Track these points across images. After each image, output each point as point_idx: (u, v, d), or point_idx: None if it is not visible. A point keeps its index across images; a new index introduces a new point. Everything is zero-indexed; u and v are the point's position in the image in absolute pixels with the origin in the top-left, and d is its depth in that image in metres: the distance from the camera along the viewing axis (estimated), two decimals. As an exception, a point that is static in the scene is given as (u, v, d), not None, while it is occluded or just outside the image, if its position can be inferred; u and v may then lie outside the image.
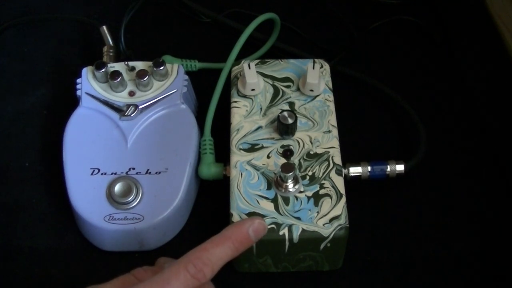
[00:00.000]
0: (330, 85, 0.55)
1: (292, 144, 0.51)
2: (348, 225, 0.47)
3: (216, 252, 0.42)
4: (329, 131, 0.52)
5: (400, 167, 0.54)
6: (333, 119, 0.53)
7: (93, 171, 0.52)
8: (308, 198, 0.48)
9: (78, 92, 0.56)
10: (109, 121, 0.55)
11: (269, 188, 0.49)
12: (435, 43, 0.67)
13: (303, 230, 0.46)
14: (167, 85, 0.56)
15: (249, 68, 0.54)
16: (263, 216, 0.47)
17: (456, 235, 0.54)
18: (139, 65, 0.57)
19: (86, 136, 0.54)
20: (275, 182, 0.49)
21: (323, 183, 0.49)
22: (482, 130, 0.60)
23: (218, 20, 0.68)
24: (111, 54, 0.61)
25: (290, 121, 0.50)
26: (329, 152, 0.51)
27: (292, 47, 0.65)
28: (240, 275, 0.51)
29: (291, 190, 0.48)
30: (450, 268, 0.52)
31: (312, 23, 0.69)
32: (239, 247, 0.43)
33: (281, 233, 0.46)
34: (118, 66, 0.57)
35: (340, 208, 0.47)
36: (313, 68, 0.53)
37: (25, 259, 0.52)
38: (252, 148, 0.51)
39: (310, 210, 0.47)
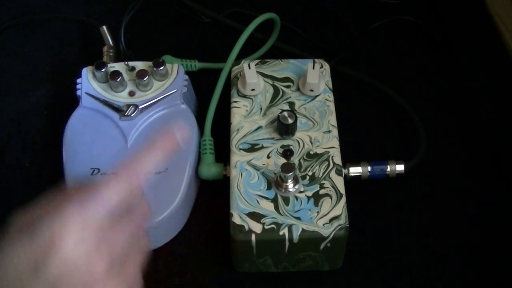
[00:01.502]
0: (330, 85, 0.55)
1: (292, 144, 0.51)
2: (348, 225, 0.47)
3: (147, 161, 0.40)
4: (329, 131, 0.52)
5: (400, 167, 0.54)
6: (333, 119, 0.53)
7: (93, 171, 0.52)
8: (308, 198, 0.48)
9: (78, 92, 0.56)
10: (109, 121, 0.55)
11: (269, 188, 0.49)
12: (435, 43, 0.67)
13: (303, 230, 0.46)
14: (167, 85, 0.56)
15: (249, 68, 0.54)
16: (263, 216, 0.47)
17: (456, 235, 0.54)
18: (139, 65, 0.57)
19: (86, 136, 0.54)
20: (275, 182, 0.49)
21: (323, 183, 0.49)
22: (482, 130, 0.60)
23: (218, 20, 0.68)
24: (111, 54, 0.61)
25: (290, 121, 0.50)
26: (329, 152, 0.51)
27: (292, 47, 0.65)
28: (240, 275, 0.51)
29: (291, 190, 0.48)
30: (450, 268, 0.52)
31: (312, 23, 0.69)
32: (168, 151, 0.41)
33: (281, 233, 0.46)
34: (118, 66, 0.57)
35: (340, 208, 0.47)
36: (313, 68, 0.53)
37: (25, 259, 0.52)
38: (252, 148, 0.51)
39: (310, 210, 0.47)
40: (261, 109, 0.54)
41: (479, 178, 0.57)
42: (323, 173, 0.49)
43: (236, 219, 0.47)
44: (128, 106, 0.55)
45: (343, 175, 0.50)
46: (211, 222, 0.54)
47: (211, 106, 0.56)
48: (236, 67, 0.57)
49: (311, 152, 0.51)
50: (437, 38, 0.67)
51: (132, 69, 0.57)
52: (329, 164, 0.50)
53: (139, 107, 0.55)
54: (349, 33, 0.68)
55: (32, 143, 0.60)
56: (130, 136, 0.54)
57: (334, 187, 0.49)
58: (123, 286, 0.37)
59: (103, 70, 0.55)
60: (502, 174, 0.57)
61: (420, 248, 0.53)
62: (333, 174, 0.49)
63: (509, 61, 0.64)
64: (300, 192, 0.48)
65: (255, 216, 0.47)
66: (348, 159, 0.53)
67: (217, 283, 0.51)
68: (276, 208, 0.48)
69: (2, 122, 0.61)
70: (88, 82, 0.56)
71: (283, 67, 0.56)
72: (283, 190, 0.48)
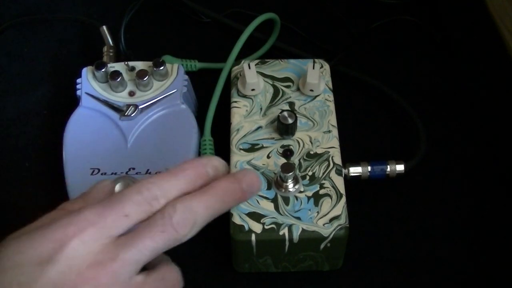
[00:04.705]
0: (330, 85, 0.55)
1: (292, 144, 0.51)
2: (348, 225, 0.47)
3: (171, 181, 0.38)
4: (329, 131, 0.52)
5: (400, 167, 0.53)
6: (333, 119, 0.53)
7: (93, 171, 0.52)
8: (308, 198, 0.48)
9: (78, 92, 0.56)
10: (109, 121, 0.55)
11: (269, 188, 0.49)
12: (435, 43, 0.67)
13: (303, 230, 0.46)
14: (167, 85, 0.56)
15: (249, 68, 0.54)
16: (263, 216, 0.47)
17: (456, 235, 0.54)
18: (139, 65, 0.57)
19: (86, 136, 0.54)
20: (275, 182, 0.49)
21: (323, 183, 0.49)
22: (482, 130, 0.60)
23: (218, 20, 0.68)
24: (111, 54, 0.61)
25: (290, 121, 0.50)
26: (329, 152, 0.51)
27: (292, 47, 0.65)
28: (240, 275, 0.51)
29: (291, 190, 0.48)
30: (450, 268, 0.52)
31: (312, 23, 0.69)
32: (196, 182, 0.39)
33: (281, 233, 0.46)
34: (118, 66, 0.57)
35: (340, 208, 0.47)
36: (313, 68, 0.53)
37: (25, 259, 0.52)
38: (252, 148, 0.51)
39: (310, 210, 0.47)
40: (261, 109, 0.54)
41: (479, 178, 0.57)
42: (323, 173, 0.49)
43: (236, 219, 0.47)
44: (128, 106, 0.55)
45: (343, 175, 0.50)
46: (211, 222, 0.54)
47: (211, 106, 0.56)
48: (236, 67, 0.57)
49: (311, 152, 0.51)
50: (437, 38, 0.67)
51: (132, 69, 0.57)
52: (329, 164, 0.50)
53: (139, 107, 0.55)
54: (349, 33, 0.68)
55: (32, 143, 0.60)
56: (130, 136, 0.54)
57: (334, 187, 0.49)
58: None
59: (103, 70, 0.55)
60: (502, 174, 0.57)
61: (420, 248, 0.53)
62: (333, 174, 0.49)
63: (509, 61, 0.64)
64: (300, 192, 0.48)
65: (255, 216, 0.47)
66: (348, 159, 0.53)
67: (217, 283, 0.51)
68: (276, 208, 0.47)
69: (2, 122, 0.61)
70: (88, 82, 0.56)
71: (283, 67, 0.56)
72: (283, 190, 0.48)
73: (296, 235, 0.46)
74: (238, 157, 0.51)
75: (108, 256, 0.35)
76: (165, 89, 0.56)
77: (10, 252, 0.35)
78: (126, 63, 0.57)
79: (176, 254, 0.53)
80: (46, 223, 0.37)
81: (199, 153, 0.54)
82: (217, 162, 0.41)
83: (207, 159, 0.41)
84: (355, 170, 0.53)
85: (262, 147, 0.51)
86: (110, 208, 0.36)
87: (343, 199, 0.48)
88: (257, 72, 0.55)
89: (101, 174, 0.52)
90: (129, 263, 0.35)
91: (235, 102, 0.54)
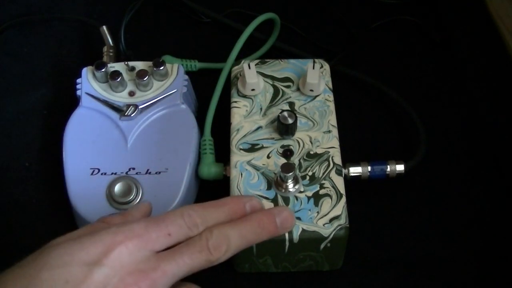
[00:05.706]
0: (330, 85, 0.55)
1: (292, 144, 0.51)
2: (348, 225, 0.47)
3: (211, 212, 0.41)
4: (329, 131, 0.52)
5: (400, 167, 0.54)
6: (333, 119, 0.53)
7: (93, 171, 0.52)
8: (308, 198, 0.48)
9: (78, 92, 0.56)
10: (109, 121, 0.55)
11: (269, 188, 0.49)
12: (435, 43, 0.67)
13: (303, 230, 0.46)
14: (167, 85, 0.56)
15: (249, 68, 0.54)
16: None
17: (456, 235, 0.54)
18: (139, 65, 0.57)
19: (86, 136, 0.54)
20: (275, 182, 0.49)
21: (323, 183, 0.49)
22: (482, 130, 0.60)
23: (218, 20, 0.68)
24: (111, 54, 0.61)
25: (290, 121, 0.50)
26: (329, 152, 0.51)
27: (292, 47, 0.65)
28: (240, 275, 0.51)
29: (291, 190, 0.48)
30: (450, 268, 0.52)
31: (312, 23, 0.69)
32: (233, 216, 0.42)
33: (281, 233, 0.46)
34: (118, 66, 0.57)
35: (340, 208, 0.47)
36: (313, 68, 0.53)
37: (25, 259, 0.52)
38: (252, 148, 0.51)
39: (310, 210, 0.47)
40: (261, 109, 0.54)
41: (479, 178, 0.57)
42: (323, 173, 0.49)
43: (236, 219, 0.47)
44: (128, 106, 0.55)
45: (343, 175, 0.50)
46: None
47: (211, 106, 0.56)
48: (236, 67, 0.57)
49: (311, 152, 0.51)
50: (437, 38, 0.67)
51: (132, 69, 0.57)
52: (329, 164, 0.50)
53: (139, 107, 0.55)
54: (349, 33, 0.68)
55: (32, 143, 0.60)
56: (130, 136, 0.54)
57: (334, 187, 0.49)
58: None
59: (103, 70, 0.55)
60: (502, 174, 0.57)
61: (420, 248, 0.53)
62: (333, 174, 0.49)
63: (509, 61, 0.64)
64: (300, 192, 0.48)
65: (255, 216, 0.47)
66: (348, 159, 0.53)
67: (217, 283, 0.51)
68: (276, 208, 0.47)
69: (2, 122, 0.61)
70: (88, 82, 0.56)
71: (283, 67, 0.56)
72: (283, 190, 0.48)
73: (296, 235, 0.46)
74: (238, 157, 0.51)
75: (150, 266, 0.38)
76: (165, 89, 0.56)
77: (59, 253, 0.37)
78: (126, 63, 0.57)
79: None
80: (90, 231, 0.39)
81: (199, 153, 0.54)
82: (256, 202, 0.43)
83: (248, 198, 0.44)
84: (355, 170, 0.53)
85: (262, 147, 0.51)
86: (155, 225, 0.39)
87: (343, 199, 0.48)
88: (257, 72, 0.55)
89: (101, 174, 0.52)
90: (167, 275, 0.38)
91: (235, 102, 0.54)
